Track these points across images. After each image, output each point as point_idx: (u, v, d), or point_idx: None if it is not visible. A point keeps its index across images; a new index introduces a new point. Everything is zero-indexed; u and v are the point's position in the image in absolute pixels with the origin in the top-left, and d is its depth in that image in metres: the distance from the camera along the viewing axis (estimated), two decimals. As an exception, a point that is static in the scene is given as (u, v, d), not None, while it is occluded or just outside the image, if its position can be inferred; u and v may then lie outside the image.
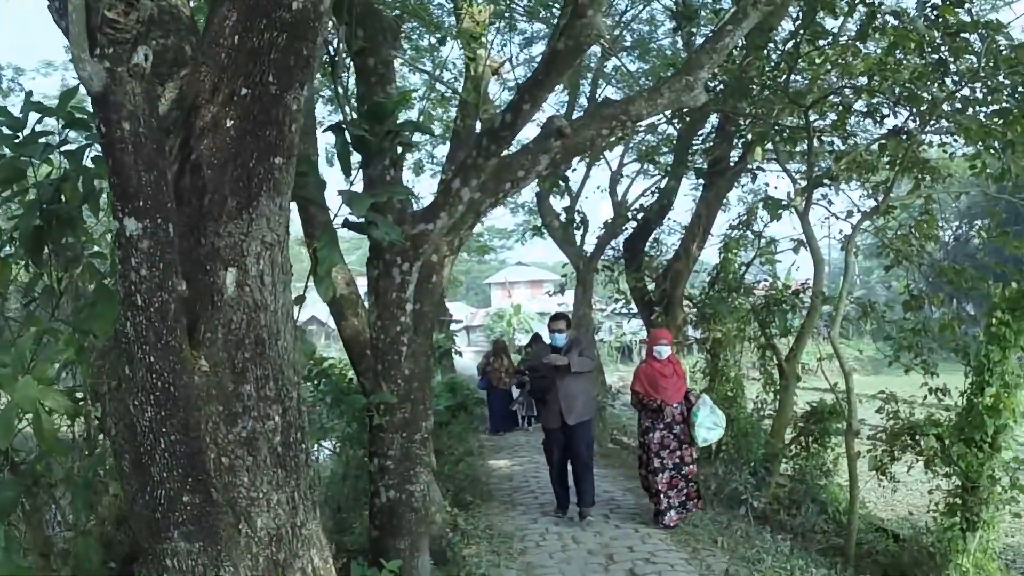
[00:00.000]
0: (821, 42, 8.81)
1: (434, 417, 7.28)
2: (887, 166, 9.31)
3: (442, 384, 17.74)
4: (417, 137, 13.82)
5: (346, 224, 4.42)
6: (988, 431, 6.97)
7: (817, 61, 9.07)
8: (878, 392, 8.58)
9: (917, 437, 7.65)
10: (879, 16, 7.93)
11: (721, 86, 9.88)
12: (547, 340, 9.35)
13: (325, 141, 37.58)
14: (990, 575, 6.94)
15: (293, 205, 3.76)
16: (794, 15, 8.67)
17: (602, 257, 15.66)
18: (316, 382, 7.06)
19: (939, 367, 8.45)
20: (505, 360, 16.11)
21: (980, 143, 7.85)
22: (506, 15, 12.97)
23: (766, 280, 12.27)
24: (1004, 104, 7.56)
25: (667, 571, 7.06)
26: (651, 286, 12.93)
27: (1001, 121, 7.52)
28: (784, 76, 9.16)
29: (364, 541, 6.01)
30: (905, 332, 8.91)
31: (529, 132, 11.36)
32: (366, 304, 5.81)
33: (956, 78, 7.94)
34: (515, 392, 15.49)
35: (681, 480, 8.51)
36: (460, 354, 27.59)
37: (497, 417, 15.83)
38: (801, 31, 8.52)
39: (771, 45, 9.40)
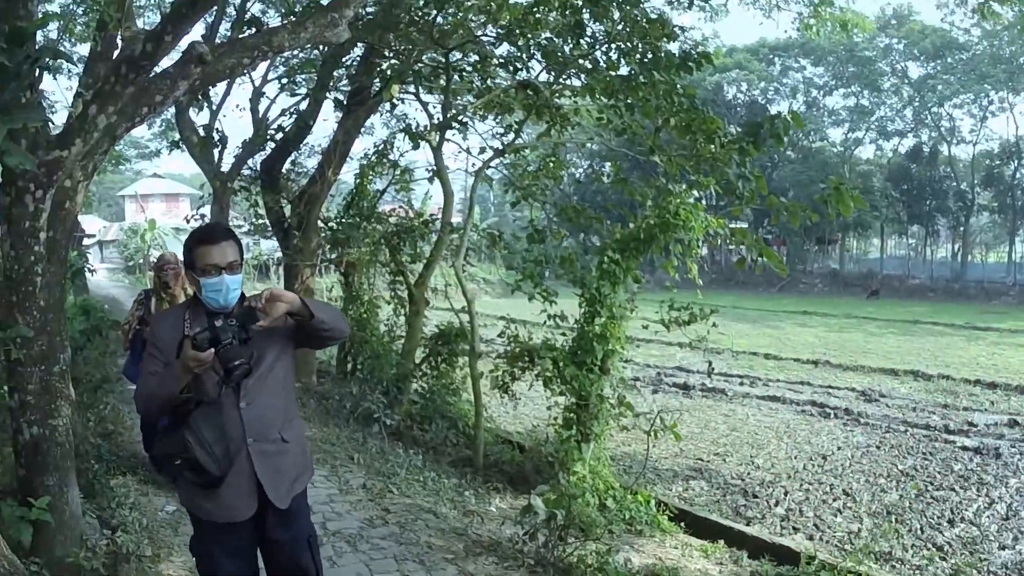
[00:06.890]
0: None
1: (70, 344, 6.83)
2: (523, 108, 9.90)
3: (75, 306, 16.33)
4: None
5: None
6: (597, 356, 7.99)
7: (467, 3, 9.32)
8: (503, 316, 9.08)
9: (535, 359, 8.49)
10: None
11: (369, 16, 9.73)
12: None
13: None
14: (603, 478, 7.98)
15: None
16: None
17: (240, 176, 14.79)
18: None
19: (560, 295, 8.99)
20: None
21: (607, 100, 8.67)
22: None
23: (402, 207, 12.52)
24: (631, 70, 8.40)
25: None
26: (288, 209, 12.51)
27: (626, 85, 8.36)
28: (432, 15, 9.33)
29: (11, 481, 5.65)
30: (528, 263, 9.27)
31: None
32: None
33: (591, 39, 8.71)
34: None
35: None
36: (93, 272, 25.28)
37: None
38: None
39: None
